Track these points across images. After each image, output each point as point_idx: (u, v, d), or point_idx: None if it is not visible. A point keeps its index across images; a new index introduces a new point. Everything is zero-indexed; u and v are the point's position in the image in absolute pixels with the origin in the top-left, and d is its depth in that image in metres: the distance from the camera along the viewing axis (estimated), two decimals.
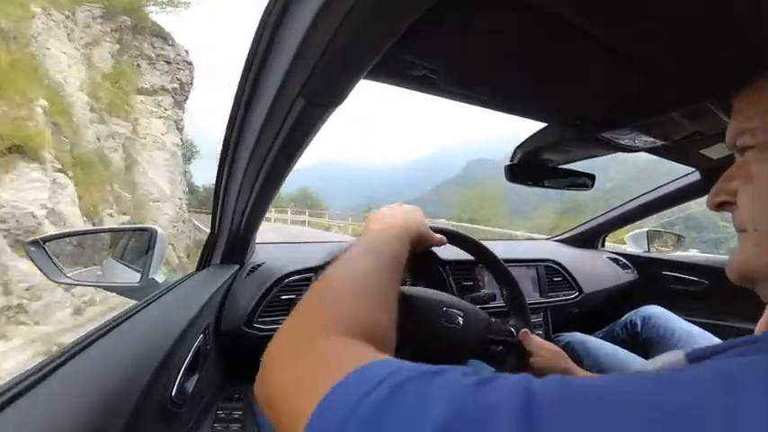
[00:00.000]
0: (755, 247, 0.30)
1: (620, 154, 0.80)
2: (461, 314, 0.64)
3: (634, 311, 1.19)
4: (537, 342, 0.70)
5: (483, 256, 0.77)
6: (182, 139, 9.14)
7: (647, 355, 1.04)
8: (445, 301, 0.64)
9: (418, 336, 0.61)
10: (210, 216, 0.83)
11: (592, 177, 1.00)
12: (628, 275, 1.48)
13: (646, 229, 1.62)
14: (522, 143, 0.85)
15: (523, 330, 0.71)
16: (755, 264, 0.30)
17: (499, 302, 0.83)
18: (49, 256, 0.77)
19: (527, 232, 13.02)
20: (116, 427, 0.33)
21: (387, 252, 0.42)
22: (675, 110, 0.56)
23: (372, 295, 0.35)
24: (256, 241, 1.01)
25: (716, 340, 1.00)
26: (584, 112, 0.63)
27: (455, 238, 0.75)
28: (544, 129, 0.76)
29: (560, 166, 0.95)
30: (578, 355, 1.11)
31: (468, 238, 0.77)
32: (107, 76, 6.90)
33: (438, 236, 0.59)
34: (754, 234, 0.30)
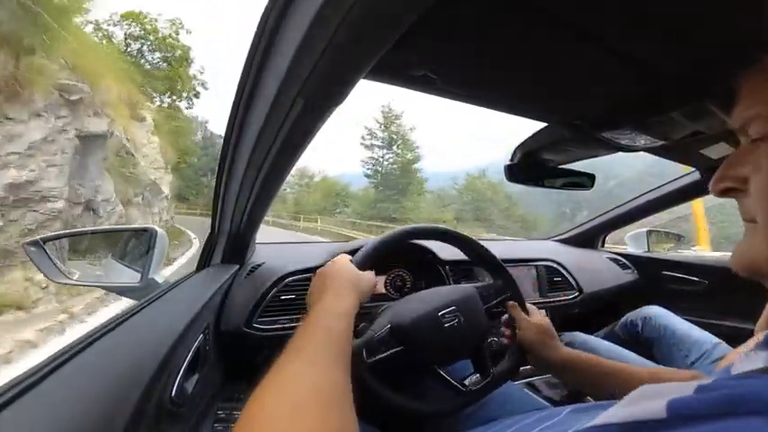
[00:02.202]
0: (765, 241, 0.28)
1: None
2: (457, 310, 0.64)
3: (635, 311, 1.19)
4: (524, 316, 0.71)
5: (480, 255, 0.77)
6: None
7: (648, 354, 1.04)
8: (438, 306, 0.64)
9: (425, 348, 0.61)
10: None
11: (592, 177, 1.00)
12: (628, 275, 1.48)
13: (646, 229, 1.62)
14: (522, 143, 0.85)
15: (511, 303, 0.72)
16: (764, 257, 0.28)
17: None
18: (48, 256, 0.77)
19: None
20: (116, 428, 0.33)
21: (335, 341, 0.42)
22: (675, 110, 0.56)
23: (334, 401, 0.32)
24: (256, 241, 1.01)
25: (715, 340, 1.00)
26: (584, 112, 0.63)
27: (452, 238, 0.75)
28: (544, 129, 0.76)
29: (560, 166, 0.95)
30: None
31: (464, 237, 0.77)
32: None
33: (368, 276, 0.61)
34: (764, 227, 0.28)
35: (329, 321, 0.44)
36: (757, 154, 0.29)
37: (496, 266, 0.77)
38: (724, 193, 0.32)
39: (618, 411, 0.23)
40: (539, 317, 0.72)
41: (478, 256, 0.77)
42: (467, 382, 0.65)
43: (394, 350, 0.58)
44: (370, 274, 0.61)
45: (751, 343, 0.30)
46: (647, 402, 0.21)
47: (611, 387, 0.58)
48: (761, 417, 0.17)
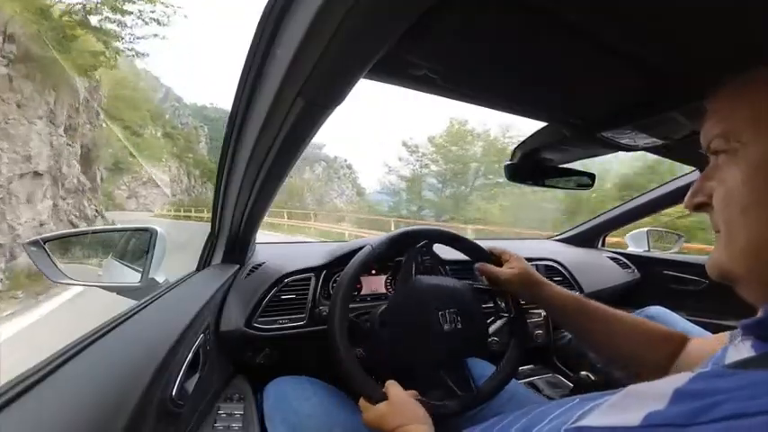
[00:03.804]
0: (725, 249, 0.31)
1: None
2: (456, 311, 0.64)
3: (636, 312, 1.19)
4: (497, 270, 0.69)
5: (472, 249, 0.77)
6: None
7: None
8: (438, 305, 0.64)
9: (420, 347, 0.61)
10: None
11: (592, 177, 1.00)
12: (628, 275, 1.48)
13: (646, 229, 1.62)
14: (522, 142, 0.85)
15: (478, 265, 0.71)
16: (727, 264, 0.32)
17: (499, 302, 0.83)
18: (49, 256, 0.77)
19: None
20: (117, 428, 0.33)
21: None
22: (675, 109, 0.56)
23: None
24: (256, 241, 1.01)
25: None
26: (584, 112, 0.63)
27: (452, 239, 0.75)
28: (544, 128, 0.76)
29: (560, 166, 0.95)
30: (582, 350, 1.11)
31: (462, 238, 0.77)
32: None
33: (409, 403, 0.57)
34: (724, 236, 0.31)
35: None
36: (719, 170, 0.32)
37: (468, 244, 0.77)
38: (697, 208, 0.35)
39: (602, 419, 0.23)
40: (514, 263, 0.70)
41: (448, 241, 0.77)
42: (440, 399, 0.64)
43: (384, 327, 0.57)
44: (407, 400, 0.57)
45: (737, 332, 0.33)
46: (623, 415, 0.22)
47: (596, 333, 0.60)
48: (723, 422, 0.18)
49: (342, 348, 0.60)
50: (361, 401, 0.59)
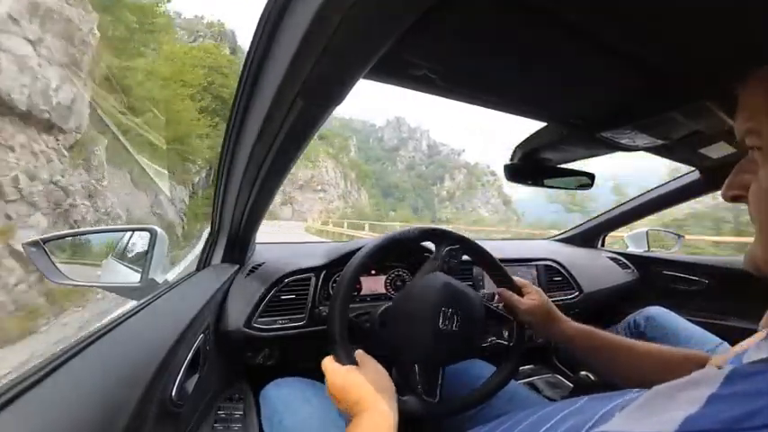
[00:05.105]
0: (760, 245, 0.31)
1: None
2: (458, 312, 0.64)
3: (637, 312, 1.19)
4: (519, 300, 0.71)
5: (478, 254, 0.77)
6: None
7: None
8: (438, 303, 0.64)
9: (419, 345, 0.61)
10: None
11: (591, 177, 1.00)
12: (628, 275, 1.48)
13: (646, 229, 1.62)
14: (522, 142, 0.85)
15: (500, 290, 0.72)
16: (759, 256, 0.32)
17: (499, 302, 0.83)
18: (48, 256, 0.77)
19: None
20: (117, 428, 0.33)
21: None
22: (675, 109, 0.56)
23: None
24: (256, 241, 1.01)
25: (717, 340, 1.00)
26: (583, 112, 0.63)
27: (449, 239, 0.75)
28: (544, 128, 0.76)
29: (560, 166, 0.95)
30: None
31: (460, 237, 0.77)
32: None
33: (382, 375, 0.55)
34: (758, 229, 0.31)
35: None
36: (755, 164, 0.32)
37: (494, 265, 0.77)
38: (733, 199, 0.35)
39: (632, 424, 0.23)
40: (535, 296, 0.72)
41: (476, 254, 0.77)
42: (439, 394, 0.63)
43: (384, 327, 0.57)
44: (379, 369, 0.55)
45: (761, 335, 0.32)
46: (657, 417, 0.21)
47: (620, 365, 0.60)
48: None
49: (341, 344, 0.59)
50: (327, 362, 0.55)
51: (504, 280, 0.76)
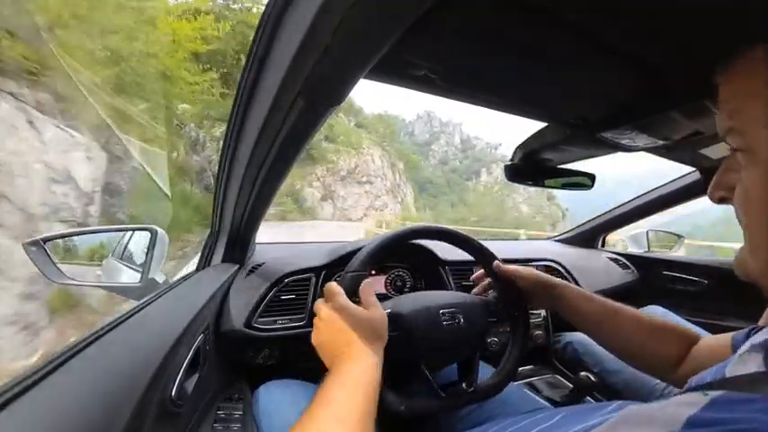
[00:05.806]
0: (746, 247, 0.30)
1: None
2: (459, 311, 0.64)
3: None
4: (513, 269, 0.69)
5: (479, 251, 0.77)
6: None
7: None
8: (441, 303, 0.64)
9: (423, 345, 0.61)
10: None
11: (592, 177, 1.00)
12: (628, 275, 1.48)
13: (646, 229, 1.62)
14: (523, 143, 0.85)
15: (495, 263, 0.71)
16: (750, 265, 0.30)
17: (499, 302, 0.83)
18: (48, 256, 0.77)
19: None
20: (116, 428, 0.33)
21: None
22: (675, 109, 0.56)
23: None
24: (256, 241, 1.01)
25: None
26: (584, 112, 0.63)
27: (452, 237, 0.75)
28: (544, 129, 0.77)
29: (560, 166, 0.95)
30: (579, 355, 1.11)
31: (463, 236, 0.77)
32: None
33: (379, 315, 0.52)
34: (745, 231, 0.30)
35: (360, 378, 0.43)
36: (738, 164, 0.30)
37: (481, 251, 0.76)
38: (720, 201, 0.33)
39: None
40: (527, 269, 0.70)
41: (478, 252, 0.77)
42: (449, 389, 0.63)
43: (389, 334, 0.57)
44: (378, 313, 0.53)
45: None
46: None
47: (619, 333, 0.62)
48: None
49: None
50: (334, 285, 0.52)
51: (490, 259, 0.74)
